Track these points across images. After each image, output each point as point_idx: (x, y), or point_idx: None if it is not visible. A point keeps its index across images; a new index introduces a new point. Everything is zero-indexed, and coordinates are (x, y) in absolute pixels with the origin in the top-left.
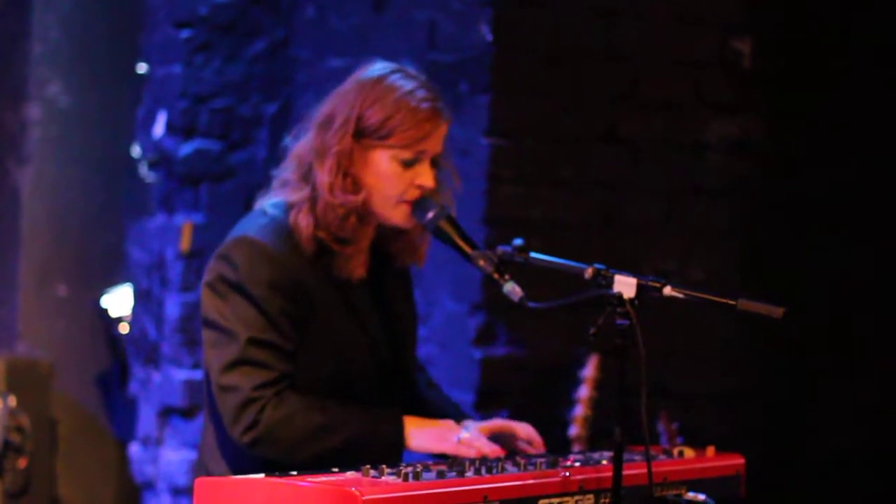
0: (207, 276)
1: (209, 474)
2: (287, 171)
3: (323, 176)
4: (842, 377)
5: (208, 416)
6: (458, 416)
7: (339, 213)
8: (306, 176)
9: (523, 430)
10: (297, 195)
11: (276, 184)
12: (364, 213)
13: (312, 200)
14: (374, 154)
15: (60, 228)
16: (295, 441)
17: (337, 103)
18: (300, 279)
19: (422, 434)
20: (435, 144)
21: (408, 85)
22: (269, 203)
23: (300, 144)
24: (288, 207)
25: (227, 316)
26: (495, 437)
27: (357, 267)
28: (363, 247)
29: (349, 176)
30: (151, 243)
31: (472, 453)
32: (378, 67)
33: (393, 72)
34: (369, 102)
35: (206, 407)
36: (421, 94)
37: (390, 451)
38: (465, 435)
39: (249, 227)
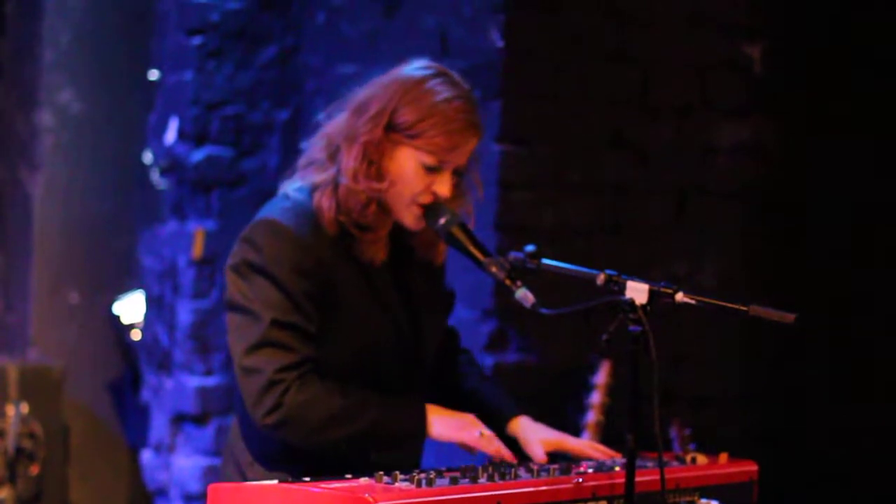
0: (231, 260)
1: (236, 461)
2: (315, 149)
3: (349, 161)
4: (855, 380)
5: (236, 405)
6: (504, 418)
7: (361, 199)
8: (333, 156)
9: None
10: (322, 176)
11: (303, 161)
12: (384, 202)
13: (335, 183)
14: (400, 150)
15: (72, 235)
16: (317, 425)
17: (376, 92)
18: (322, 261)
19: (444, 422)
20: (460, 157)
21: (448, 92)
22: (292, 187)
23: (332, 124)
24: (312, 190)
25: (250, 298)
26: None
27: (378, 252)
28: (382, 235)
29: (374, 165)
30: (163, 250)
31: (491, 449)
32: (424, 66)
33: (437, 74)
34: (407, 100)
35: (235, 396)
36: (458, 104)
37: (411, 439)
38: (486, 431)
39: (273, 210)
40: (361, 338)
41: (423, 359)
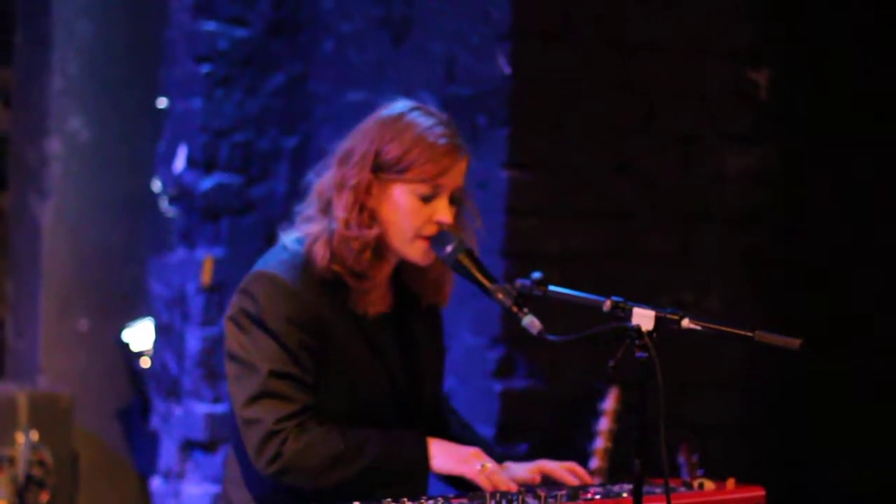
0: (230, 311)
1: (229, 501)
2: (309, 207)
3: (340, 209)
4: (859, 406)
5: (232, 446)
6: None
7: (354, 247)
8: (325, 209)
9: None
10: (315, 227)
11: (299, 220)
12: (380, 247)
13: (330, 233)
14: (393, 188)
15: (81, 263)
16: (318, 469)
17: (357, 139)
18: (318, 313)
19: (446, 455)
20: (453, 180)
21: (426, 122)
22: (290, 238)
23: (322, 180)
24: (307, 241)
25: (248, 349)
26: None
27: (373, 302)
28: (379, 282)
29: (366, 210)
30: (172, 277)
31: (489, 487)
32: (398, 105)
33: (412, 109)
34: (388, 138)
35: (231, 437)
36: (439, 130)
37: (414, 473)
38: (489, 465)
39: (269, 262)
40: (357, 390)
41: (421, 411)
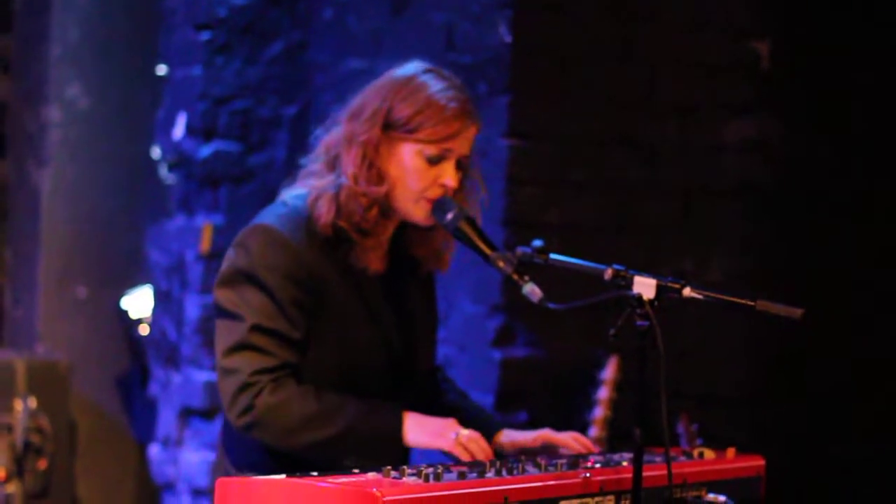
0: (223, 265)
1: (224, 468)
2: (314, 161)
3: (349, 165)
4: (859, 379)
5: (223, 413)
6: (493, 427)
7: (363, 202)
8: (332, 164)
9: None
10: (320, 182)
11: (302, 174)
12: (386, 205)
13: (336, 189)
14: (401, 147)
15: (80, 230)
16: (288, 428)
17: (369, 96)
18: (315, 270)
19: (421, 427)
20: (461, 145)
21: (440, 84)
22: (291, 194)
23: (330, 136)
24: (310, 196)
25: (236, 303)
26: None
27: (374, 260)
28: (382, 241)
29: (374, 167)
30: (171, 245)
31: (465, 455)
32: (412, 66)
33: (427, 71)
34: (400, 97)
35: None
36: (451, 93)
37: (388, 444)
38: (463, 434)
39: (267, 216)
40: (351, 349)
41: (413, 373)
